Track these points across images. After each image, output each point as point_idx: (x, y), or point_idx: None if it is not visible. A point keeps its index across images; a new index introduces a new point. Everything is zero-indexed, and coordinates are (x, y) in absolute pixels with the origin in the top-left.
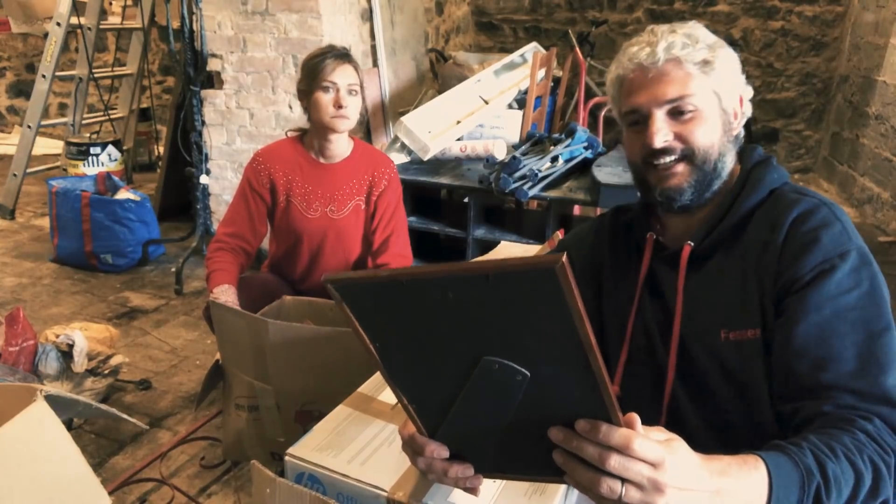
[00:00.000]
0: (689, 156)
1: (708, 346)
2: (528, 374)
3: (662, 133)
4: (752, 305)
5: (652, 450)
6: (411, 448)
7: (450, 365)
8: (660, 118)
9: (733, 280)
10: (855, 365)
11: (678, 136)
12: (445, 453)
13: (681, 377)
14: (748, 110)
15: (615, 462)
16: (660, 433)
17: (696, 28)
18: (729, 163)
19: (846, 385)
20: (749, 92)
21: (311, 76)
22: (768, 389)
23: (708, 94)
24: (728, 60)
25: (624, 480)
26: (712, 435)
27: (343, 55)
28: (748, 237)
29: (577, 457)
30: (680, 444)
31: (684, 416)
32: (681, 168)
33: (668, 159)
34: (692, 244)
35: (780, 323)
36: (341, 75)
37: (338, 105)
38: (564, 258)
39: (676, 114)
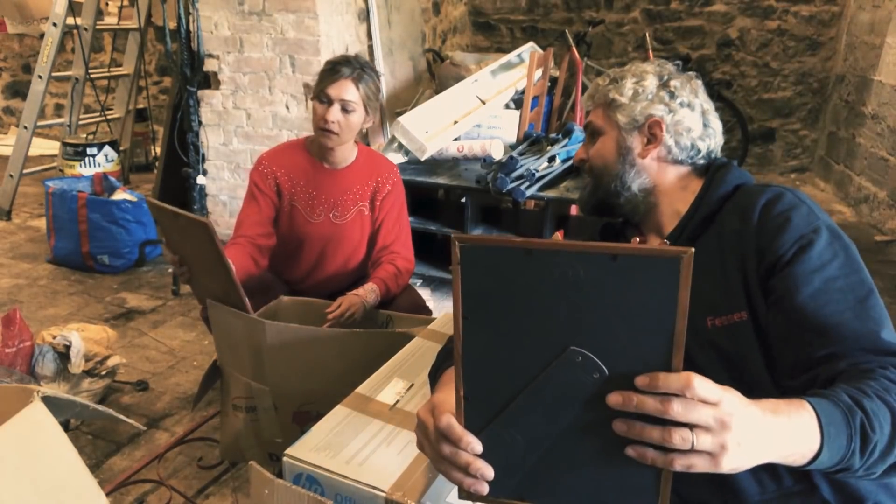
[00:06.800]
0: None
1: (696, 334)
2: (606, 372)
3: None
4: (735, 290)
5: (710, 390)
6: (444, 434)
7: (532, 351)
8: None
9: (712, 269)
10: (855, 327)
11: None
12: (479, 449)
13: None
14: None
15: (678, 407)
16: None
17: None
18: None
19: (853, 345)
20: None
21: (317, 81)
22: (767, 368)
23: None
24: None
25: (692, 427)
26: None
27: (342, 72)
28: (721, 228)
29: (637, 424)
30: (729, 388)
31: None
32: None
33: None
34: (668, 241)
35: (773, 301)
36: (337, 89)
37: (323, 120)
38: (692, 251)
39: None
